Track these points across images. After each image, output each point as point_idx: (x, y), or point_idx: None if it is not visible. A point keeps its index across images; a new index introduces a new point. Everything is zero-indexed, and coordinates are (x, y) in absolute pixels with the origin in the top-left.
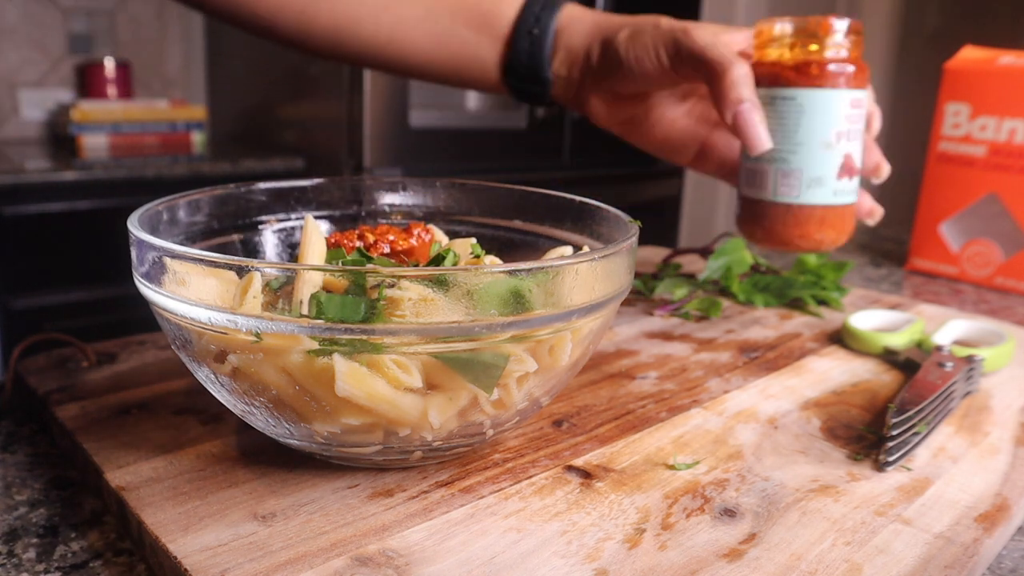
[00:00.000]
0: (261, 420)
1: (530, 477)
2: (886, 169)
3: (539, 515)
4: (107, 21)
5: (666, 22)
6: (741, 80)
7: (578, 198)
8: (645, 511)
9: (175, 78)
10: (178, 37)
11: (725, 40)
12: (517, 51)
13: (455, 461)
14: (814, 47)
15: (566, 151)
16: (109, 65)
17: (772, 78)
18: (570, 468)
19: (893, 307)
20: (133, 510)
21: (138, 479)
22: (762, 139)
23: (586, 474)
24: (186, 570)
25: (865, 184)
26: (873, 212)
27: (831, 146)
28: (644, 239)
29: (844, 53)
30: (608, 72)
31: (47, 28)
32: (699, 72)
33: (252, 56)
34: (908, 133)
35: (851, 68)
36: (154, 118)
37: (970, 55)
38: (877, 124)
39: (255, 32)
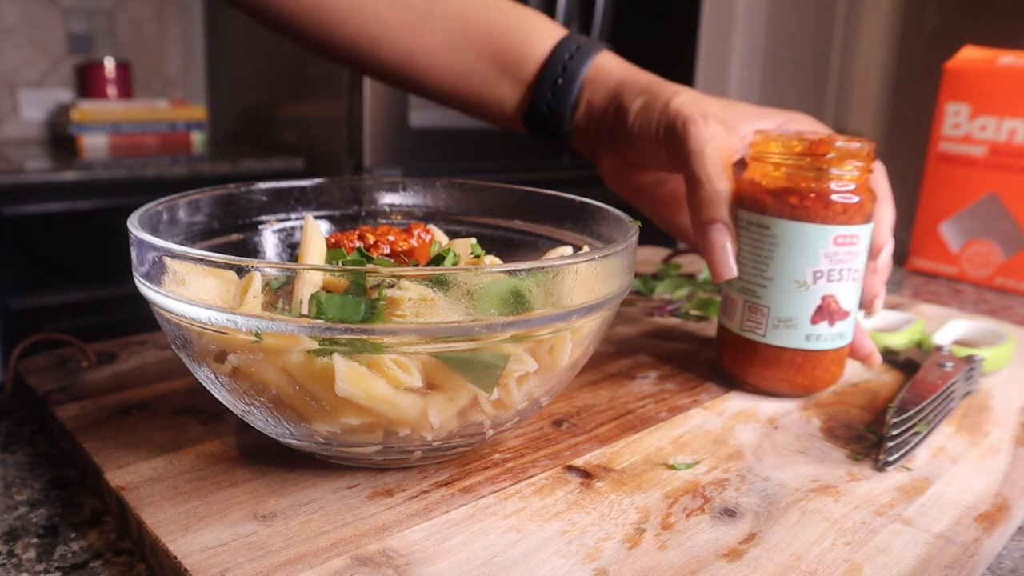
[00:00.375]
0: (261, 420)
1: (530, 477)
2: (879, 306)
3: (539, 515)
4: (107, 21)
5: (679, 102)
6: (714, 199)
7: (578, 198)
8: (645, 511)
9: (175, 78)
10: (178, 37)
11: (719, 146)
12: (538, 99)
13: (455, 461)
14: (801, 171)
15: (566, 151)
16: (109, 65)
17: (752, 200)
18: (570, 468)
19: (893, 307)
20: (133, 510)
21: (138, 479)
22: (725, 267)
23: (586, 474)
24: (186, 570)
25: None
26: (870, 357)
27: (805, 286)
28: (644, 239)
29: (834, 184)
30: (617, 137)
31: (47, 28)
32: (683, 174)
33: (252, 56)
34: (908, 133)
35: (840, 199)
36: (154, 118)
37: (970, 55)
38: (885, 261)
39: (286, 36)
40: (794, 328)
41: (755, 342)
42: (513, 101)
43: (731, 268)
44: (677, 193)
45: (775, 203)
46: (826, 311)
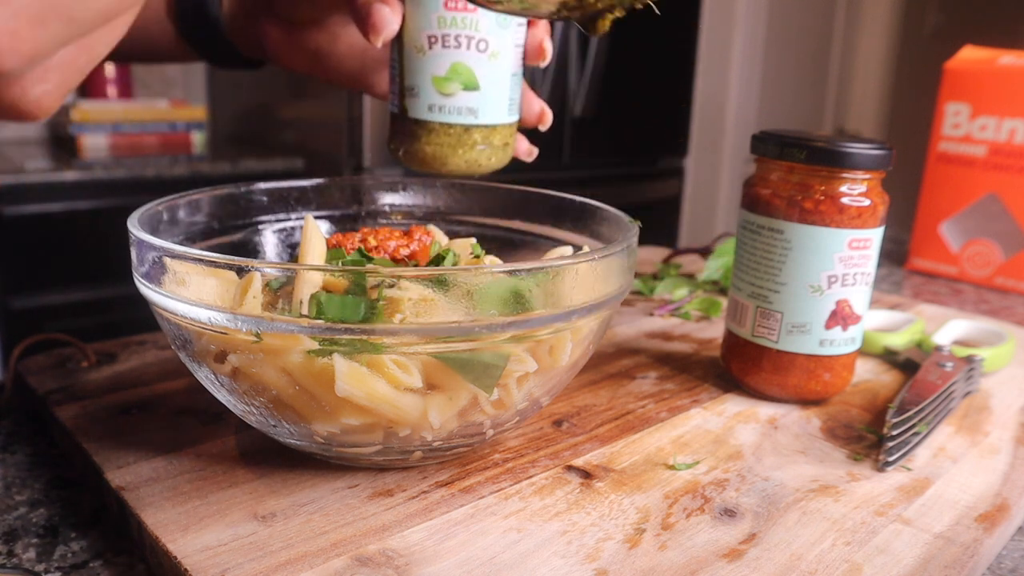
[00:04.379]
0: (261, 420)
1: (530, 477)
2: (549, 117)
3: (539, 515)
4: None
5: None
6: None
7: (578, 198)
8: (645, 511)
9: (175, 78)
10: None
11: None
12: None
13: (455, 461)
14: (815, 175)
15: (566, 151)
16: (109, 65)
17: (764, 205)
18: (570, 468)
19: (893, 307)
20: (133, 510)
21: (138, 479)
22: (383, 21)
23: (586, 474)
24: (186, 570)
25: None
26: (543, 115)
27: (820, 291)
28: (644, 239)
29: (848, 187)
30: None
31: None
32: None
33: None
34: (908, 133)
35: (855, 203)
36: (154, 118)
37: (970, 55)
38: (548, 53)
39: None
40: (808, 333)
41: (767, 348)
42: (161, 9)
43: (389, 22)
44: (355, 45)
45: (788, 207)
46: (840, 316)
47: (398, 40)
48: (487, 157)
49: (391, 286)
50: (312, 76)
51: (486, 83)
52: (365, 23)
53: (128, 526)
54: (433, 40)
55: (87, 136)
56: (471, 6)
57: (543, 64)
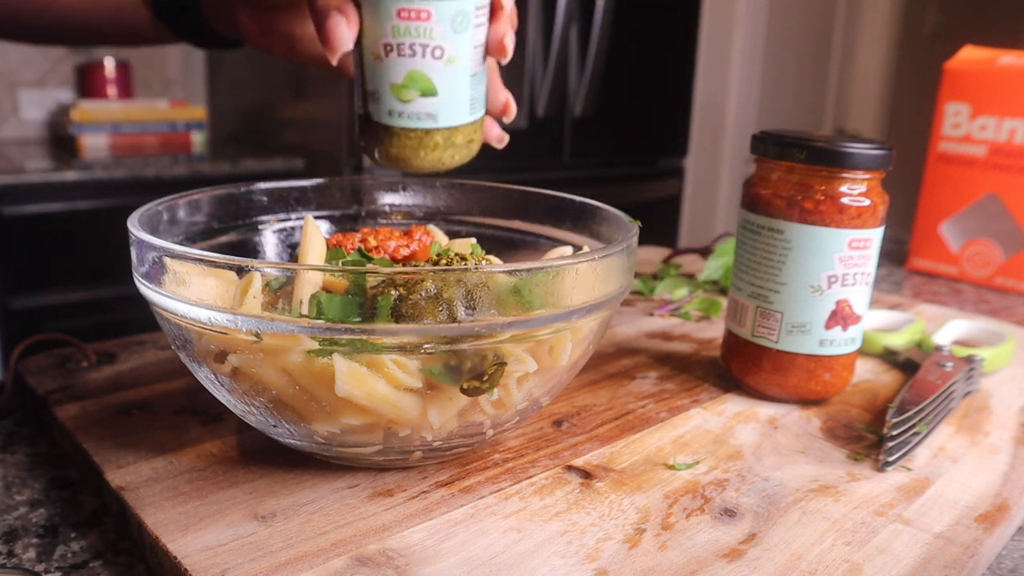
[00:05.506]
0: (261, 420)
1: (530, 477)
2: (513, 110)
3: (539, 515)
4: None
5: None
6: None
7: (578, 198)
8: (645, 511)
9: (175, 78)
10: None
11: None
12: None
13: (455, 461)
14: (815, 175)
15: (566, 151)
16: (109, 65)
17: (764, 205)
18: (570, 468)
19: (893, 307)
20: (133, 510)
21: (138, 479)
22: (337, 40)
23: (586, 474)
24: (186, 570)
25: None
26: (507, 107)
27: (820, 291)
28: (644, 239)
29: (848, 187)
30: None
31: None
32: None
33: (252, 56)
34: (908, 133)
35: (855, 203)
36: (154, 118)
37: (970, 55)
38: (510, 45)
39: None
40: (808, 333)
41: (767, 348)
42: None
43: (343, 38)
44: None
45: (788, 207)
46: (840, 316)
47: (358, 45)
48: (450, 156)
49: (393, 287)
50: (289, 59)
51: (444, 88)
52: (322, 40)
53: (128, 526)
54: (389, 48)
55: (87, 136)
56: (424, 14)
57: (504, 61)
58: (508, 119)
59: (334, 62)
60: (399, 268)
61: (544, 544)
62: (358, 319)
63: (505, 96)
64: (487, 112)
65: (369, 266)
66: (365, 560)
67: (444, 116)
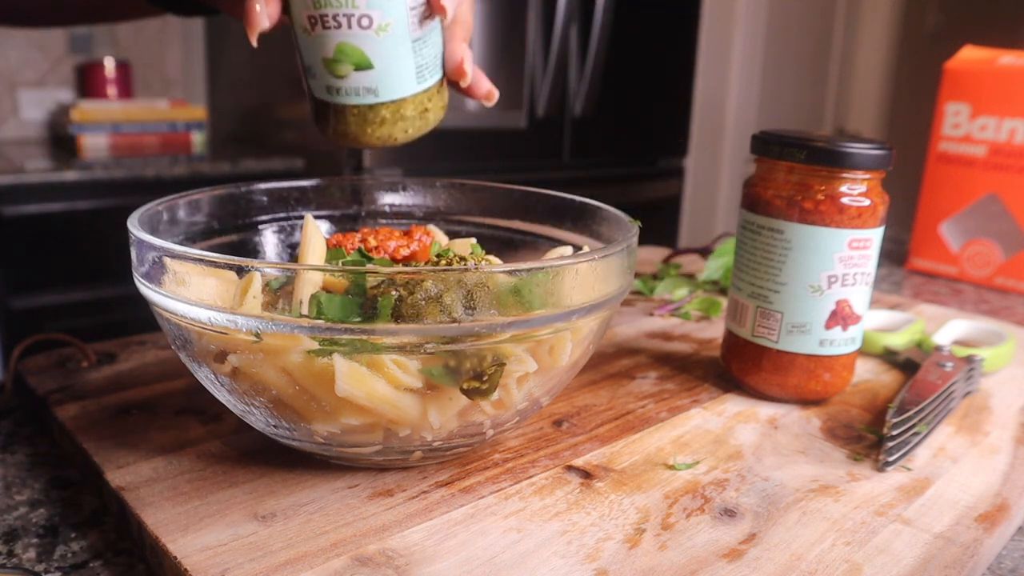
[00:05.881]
0: (261, 420)
1: (530, 477)
2: (470, 73)
3: (539, 515)
4: None
5: None
6: None
7: (578, 198)
8: (645, 511)
9: (175, 78)
10: (178, 37)
11: None
12: None
13: (455, 461)
14: (815, 175)
15: (566, 151)
16: (109, 65)
17: (766, 204)
18: (570, 468)
19: (893, 307)
20: (133, 510)
21: (138, 479)
22: (254, 18)
23: (586, 474)
24: (186, 570)
25: None
26: (490, 93)
27: (820, 291)
28: (644, 239)
29: (848, 187)
30: None
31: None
32: None
33: (252, 56)
34: (908, 133)
35: (855, 203)
36: (154, 118)
37: (970, 55)
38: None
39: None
40: (808, 333)
41: (767, 348)
42: None
43: (264, 15)
44: None
45: (788, 207)
46: (840, 316)
47: (291, 20)
48: (402, 130)
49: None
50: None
51: (380, 59)
52: (243, 18)
53: (128, 526)
54: (313, 21)
55: (87, 136)
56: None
57: (464, 84)
58: (464, 83)
59: (253, 42)
60: (399, 268)
61: (544, 544)
62: (358, 319)
63: (461, 54)
64: (446, 75)
65: (369, 266)
66: (365, 560)
67: (386, 89)
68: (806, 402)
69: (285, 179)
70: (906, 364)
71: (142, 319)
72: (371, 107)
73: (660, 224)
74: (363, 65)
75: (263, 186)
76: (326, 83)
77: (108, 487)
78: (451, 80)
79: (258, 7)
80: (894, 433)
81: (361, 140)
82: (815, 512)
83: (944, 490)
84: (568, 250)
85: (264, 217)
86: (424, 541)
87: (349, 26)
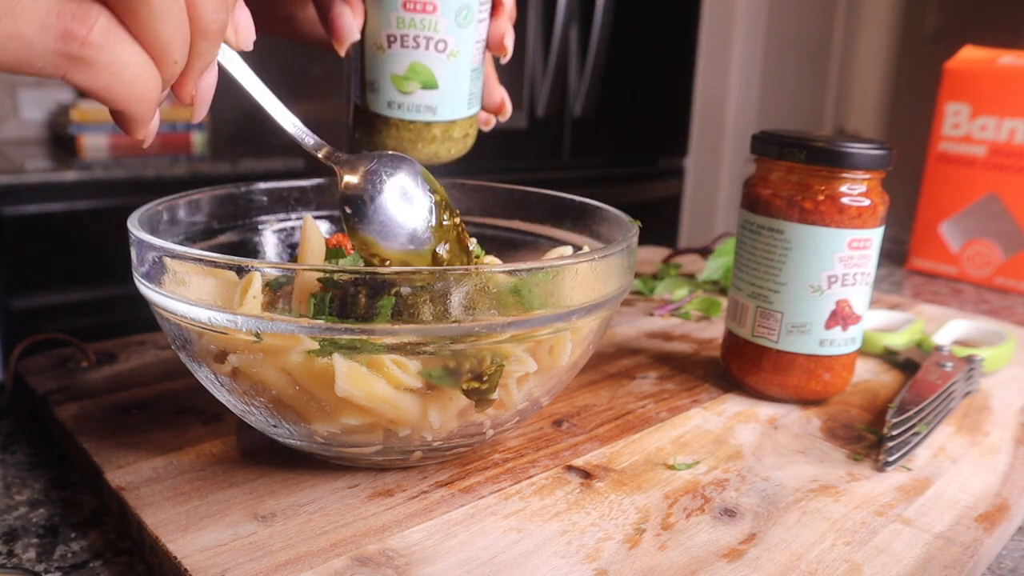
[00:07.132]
0: (261, 420)
1: (530, 477)
2: (508, 109)
3: (539, 515)
4: None
5: None
6: None
7: (578, 198)
8: (645, 511)
9: None
10: None
11: None
12: None
13: (455, 461)
14: (815, 176)
15: (566, 151)
16: None
17: (766, 204)
18: (570, 468)
19: (893, 307)
20: (133, 510)
21: (138, 479)
22: (346, 26)
23: (586, 474)
24: (186, 570)
25: None
26: (503, 106)
27: (820, 291)
28: (644, 239)
29: (848, 187)
30: None
31: None
32: None
33: (252, 56)
34: (908, 133)
35: (855, 203)
36: None
37: (970, 55)
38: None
39: None
40: (808, 333)
41: (767, 348)
42: None
43: (355, 29)
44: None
45: (788, 207)
46: (840, 316)
47: (363, 37)
48: (447, 150)
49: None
50: (287, 40)
51: (445, 82)
52: (328, 30)
53: (128, 526)
54: (392, 39)
55: (87, 136)
56: (430, 7)
57: (504, 59)
58: (504, 118)
59: (342, 53)
60: (399, 268)
61: (544, 544)
62: (358, 319)
63: (501, 94)
64: (482, 108)
65: (369, 266)
66: (365, 560)
67: (444, 110)
68: (806, 402)
69: (285, 179)
70: (906, 364)
71: (142, 319)
72: (427, 124)
73: (660, 224)
74: (430, 85)
75: (263, 186)
76: (389, 98)
77: (108, 487)
78: (493, 113)
79: (348, 19)
80: (894, 433)
81: (410, 155)
82: (815, 512)
83: (944, 490)
84: (568, 250)
85: (264, 217)
86: (424, 541)
87: (427, 48)
